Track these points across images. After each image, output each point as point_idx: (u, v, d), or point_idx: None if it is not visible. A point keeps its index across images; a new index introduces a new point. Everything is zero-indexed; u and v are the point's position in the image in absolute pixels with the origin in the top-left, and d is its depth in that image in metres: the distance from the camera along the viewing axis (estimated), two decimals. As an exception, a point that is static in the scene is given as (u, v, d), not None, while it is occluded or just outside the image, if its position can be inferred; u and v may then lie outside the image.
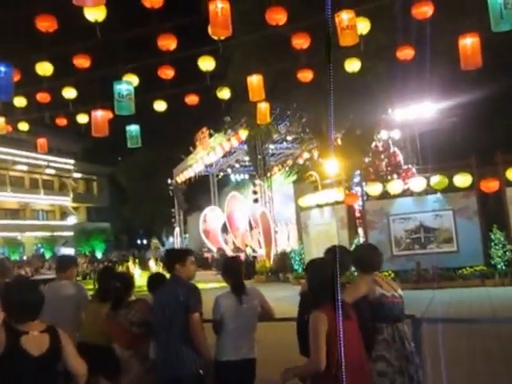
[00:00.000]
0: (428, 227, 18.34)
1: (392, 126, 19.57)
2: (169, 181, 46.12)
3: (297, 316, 4.87)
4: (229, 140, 29.07)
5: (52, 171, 61.54)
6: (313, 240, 20.96)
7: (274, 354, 7.58)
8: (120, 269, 30.99)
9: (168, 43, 12.69)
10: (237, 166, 38.74)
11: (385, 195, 18.70)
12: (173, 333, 4.74)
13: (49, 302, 5.55)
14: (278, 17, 11.59)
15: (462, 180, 17.81)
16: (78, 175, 66.06)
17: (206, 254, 38.70)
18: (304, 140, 24.07)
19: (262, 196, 28.97)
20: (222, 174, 41.19)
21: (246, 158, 35.83)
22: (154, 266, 34.94)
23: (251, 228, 34.80)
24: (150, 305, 5.33)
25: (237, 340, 4.87)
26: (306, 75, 14.94)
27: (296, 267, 22.09)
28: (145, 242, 66.89)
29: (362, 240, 18.74)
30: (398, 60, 13.28)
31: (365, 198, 18.93)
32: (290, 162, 30.75)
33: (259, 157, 27.22)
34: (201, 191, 43.97)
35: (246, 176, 41.46)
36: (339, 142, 19.94)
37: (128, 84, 12.58)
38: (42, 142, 20.65)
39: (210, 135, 33.10)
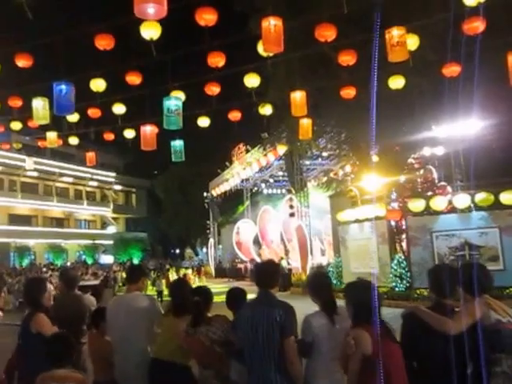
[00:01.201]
0: (473, 245, 17.27)
1: (435, 143, 18.56)
2: (204, 194, 45.76)
3: (400, 340, 3.91)
4: (265, 155, 28.47)
5: (95, 183, 62.02)
6: (351, 254, 20.10)
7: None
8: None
9: (217, 60, 12.41)
10: (271, 180, 38.08)
11: (427, 211, 17.63)
12: (266, 357, 3.97)
13: (121, 315, 5.01)
14: (327, 33, 11.14)
15: (509, 197, 16.83)
16: (118, 187, 66.30)
17: (239, 265, 37.85)
18: (341, 156, 23.21)
19: (298, 210, 28.04)
20: (255, 188, 40.57)
21: (280, 173, 35.33)
22: (191, 276, 34.25)
23: (283, 241, 33.98)
24: (230, 322, 4.71)
25: (329, 364, 4.07)
26: (348, 92, 14.50)
27: (333, 280, 21.14)
28: (178, 251, 66.57)
29: (403, 256, 17.73)
30: (443, 76, 12.59)
31: (406, 213, 17.91)
32: (324, 178, 29.94)
33: (296, 172, 26.33)
34: (235, 204, 43.52)
35: (278, 191, 41.02)
36: (377, 157, 19.02)
37: (177, 99, 12.29)
38: (90, 155, 20.61)
39: (247, 151, 32.60)
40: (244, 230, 40.40)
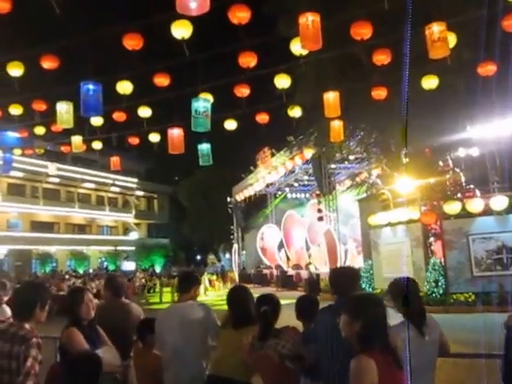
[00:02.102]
0: (510, 247, 16.82)
1: (470, 144, 18.19)
2: (228, 199, 45.61)
3: (504, 354, 3.61)
4: (292, 159, 28.15)
5: (117, 189, 62.36)
6: (384, 259, 19.74)
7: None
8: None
9: (248, 60, 12.21)
10: (295, 185, 37.82)
11: (463, 214, 17.24)
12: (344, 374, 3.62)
13: (173, 327, 4.61)
14: (363, 31, 10.90)
15: (549, 199, 16.28)
16: (140, 193, 66.62)
17: (264, 271, 37.59)
18: (371, 158, 22.89)
19: (326, 214, 27.75)
20: (279, 192, 40.34)
21: (305, 178, 35.03)
22: (216, 282, 34.08)
23: (307, 246, 33.73)
24: (301, 334, 4.30)
25: (416, 381, 3.68)
26: (379, 93, 14.25)
27: (364, 286, 20.79)
28: (200, 257, 66.48)
29: (438, 260, 17.35)
30: (478, 75, 12.33)
31: (441, 216, 17.52)
32: (353, 181, 29.60)
33: (324, 175, 26.04)
34: (258, 209, 43.33)
35: (302, 195, 40.80)
36: (408, 159, 18.71)
37: (205, 101, 12.05)
38: (114, 160, 20.61)
39: (272, 154, 32.37)
40: (268, 235, 40.15)
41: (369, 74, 15.37)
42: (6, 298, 6.47)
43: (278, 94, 16.77)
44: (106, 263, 57.70)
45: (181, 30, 10.58)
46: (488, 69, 11.92)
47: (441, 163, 19.74)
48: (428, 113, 15.69)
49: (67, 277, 34.84)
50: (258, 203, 42.25)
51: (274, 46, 14.53)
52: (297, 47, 11.83)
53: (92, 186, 58.52)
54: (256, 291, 4.63)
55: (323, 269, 26.68)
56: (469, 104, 15.80)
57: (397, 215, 18.94)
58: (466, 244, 17.25)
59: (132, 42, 11.29)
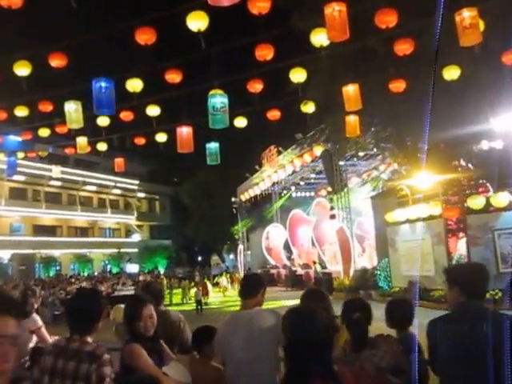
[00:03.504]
0: (537, 242, 16.22)
1: (493, 136, 17.58)
2: (233, 199, 45.12)
3: None
4: (301, 156, 27.55)
5: (118, 191, 62.01)
6: (402, 256, 19.18)
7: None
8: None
9: (265, 53, 11.74)
10: (301, 183, 37.26)
11: (488, 209, 16.66)
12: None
13: (240, 336, 3.96)
14: (388, 19, 10.38)
15: None
16: (141, 195, 66.34)
17: (271, 271, 37.09)
18: (385, 154, 22.34)
19: (336, 212, 27.18)
20: (284, 191, 39.84)
21: (312, 176, 34.51)
22: (227, 284, 33.52)
23: (314, 245, 33.30)
24: (400, 343, 3.73)
25: None
26: (397, 85, 13.76)
27: (381, 284, 20.27)
28: (202, 258, 65.95)
29: (462, 257, 16.77)
30: (503, 65, 11.89)
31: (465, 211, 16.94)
32: (365, 177, 29.07)
33: (336, 172, 25.43)
34: (263, 209, 42.84)
35: (307, 193, 40.36)
36: (426, 154, 18.17)
37: (222, 97, 11.60)
38: (119, 161, 20.30)
39: (279, 153, 31.80)
40: (274, 234, 39.86)
41: (384, 66, 14.90)
42: (36, 306, 6.05)
43: (291, 90, 16.32)
44: (109, 266, 57.12)
45: (197, 22, 10.21)
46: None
47: (461, 158, 19.16)
48: (449, 105, 15.18)
49: (73, 280, 34.39)
50: (263, 202, 41.76)
51: (288, 40, 14.08)
52: (318, 38, 11.40)
53: (94, 188, 58.22)
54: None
55: (335, 267, 26.19)
56: (492, 95, 15.26)
57: (416, 211, 18.37)
58: (491, 239, 16.67)
59: (145, 37, 10.87)
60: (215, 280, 37.57)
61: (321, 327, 2.58)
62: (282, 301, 22.37)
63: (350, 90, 12.67)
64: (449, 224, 17.63)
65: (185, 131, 13.61)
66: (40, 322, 5.83)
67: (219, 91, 12.17)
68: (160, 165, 59.73)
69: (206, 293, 25.97)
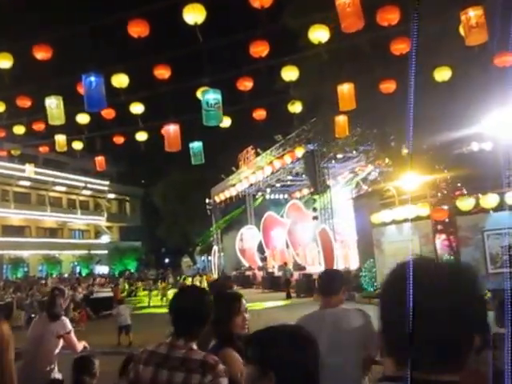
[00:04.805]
0: (525, 243, 16.22)
1: (483, 138, 17.55)
2: (207, 200, 44.66)
3: None
4: (281, 157, 27.28)
5: (88, 192, 60.92)
6: (388, 257, 18.95)
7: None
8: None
9: (261, 50, 11.47)
10: (277, 185, 37.04)
11: (477, 210, 16.62)
12: None
13: (323, 339, 3.41)
14: (390, 16, 10.16)
15: None
16: (111, 196, 65.41)
17: (247, 273, 36.79)
18: (369, 155, 22.19)
19: (321, 213, 26.90)
20: (259, 193, 39.58)
21: (289, 178, 34.31)
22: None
23: (288, 247, 33.47)
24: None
25: None
26: (388, 86, 13.59)
27: (365, 286, 20.05)
28: (170, 260, 65.24)
29: (451, 258, 16.71)
30: (494, 67, 11.85)
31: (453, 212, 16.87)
32: (349, 177, 28.94)
33: (318, 173, 25.20)
34: (238, 211, 42.63)
35: (281, 195, 40.27)
36: (412, 155, 18.04)
37: (216, 93, 11.31)
38: (100, 159, 19.70)
39: (257, 154, 31.48)
40: (248, 236, 39.65)
41: (373, 66, 14.74)
42: (64, 307, 5.46)
43: (279, 88, 16.06)
44: (78, 267, 56.00)
45: (194, 15, 9.93)
46: (505, 59, 11.06)
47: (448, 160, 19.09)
48: (438, 106, 15.12)
49: (43, 282, 33.54)
50: (237, 204, 41.48)
51: (281, 37, 13.85)
52: (316, 35, 11.20)
53: (63, 189, 57.07)
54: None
55: (317, 269, 25.97)
56: (481, 96, 15.20)
57: (403, 212, 18.23)
58: (481, 240, 16.67)
59: (138, 29, 10.51)
60: (193, 281, 37.12)
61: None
62: (262, 302, 22.11)
63: (345, 89, 12.52)
64: (437, 225, 17.56)
65: (172, 129, 13.31)
66: (70, 326, 5.28)
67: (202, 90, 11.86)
68: (130, 165, 58.92)
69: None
